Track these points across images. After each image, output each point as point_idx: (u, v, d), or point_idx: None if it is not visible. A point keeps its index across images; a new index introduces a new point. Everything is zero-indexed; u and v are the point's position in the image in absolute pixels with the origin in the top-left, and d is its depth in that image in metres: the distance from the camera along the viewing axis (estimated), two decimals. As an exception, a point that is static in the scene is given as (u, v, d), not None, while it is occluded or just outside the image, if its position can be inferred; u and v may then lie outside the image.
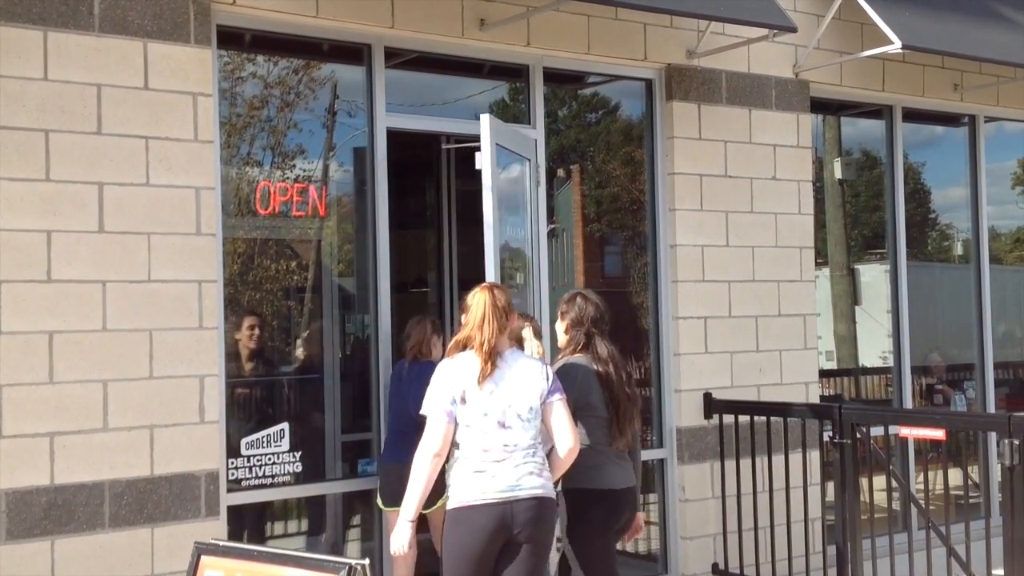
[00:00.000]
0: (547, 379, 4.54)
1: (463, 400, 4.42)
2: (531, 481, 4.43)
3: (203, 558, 3.77)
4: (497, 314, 4.49)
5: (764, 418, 6.84)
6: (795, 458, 6.85)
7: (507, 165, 6.26)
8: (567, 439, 4.55)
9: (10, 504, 4.89)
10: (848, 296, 8.88)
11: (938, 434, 6.46)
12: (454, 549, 4.43)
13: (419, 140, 7.58)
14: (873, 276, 8.87)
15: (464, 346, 4.52)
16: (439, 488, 4.63)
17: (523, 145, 6.40)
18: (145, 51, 5.32)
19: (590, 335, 5.07)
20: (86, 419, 5.08)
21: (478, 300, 4.54)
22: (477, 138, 5.77)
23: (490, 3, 6.35)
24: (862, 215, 9.14)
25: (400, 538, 4.41)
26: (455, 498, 4.45)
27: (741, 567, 6.88)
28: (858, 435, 6.25)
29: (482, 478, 4.40)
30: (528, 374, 4.52)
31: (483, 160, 5.75)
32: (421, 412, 4.52)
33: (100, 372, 5.12)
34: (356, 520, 6.37)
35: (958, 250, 9.51)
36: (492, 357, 4.44)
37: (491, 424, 4.42)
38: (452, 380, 4.46)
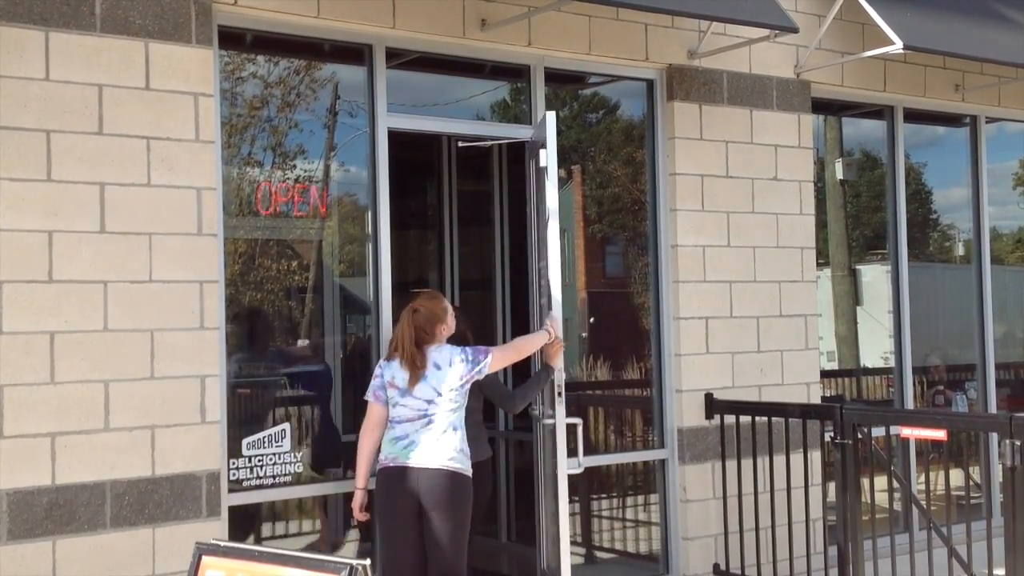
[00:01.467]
0: (465, 361, 5.33)
1: (391, 385, 5.32)
2: (442, 452, 5.22)
3: (204, 558, 3.77)
4: (414, 327, 5.34)
5: (765, 418, 6.84)
6: (796, 458, 6.85)
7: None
8: (512, 360, 5.72)
9: (11, 504, 4.89)
10: (849, 296, 8.88)
11: (939, 435, 6.45)
12: (379, 503, 5.34)
13: (420, 140, 7.58)
14: (874, 276, 8.87)
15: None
16: None
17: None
18: (146, 51, 5.32)
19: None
20: (87, 419, 5.08)
21: (402, 315, 5.44)
22: (479, 138, 5.77)
23: (491, 3, 6.35)
24: (863, 215, 9.14)
25: (354, 502, 5.44)
26: (380, 461, 5.33)
27: (742, 567, 6.88)
28: (859, 435, 6.25)
29: (398, 445, 5.26)
30: (446, 361, 5.32)
31: (548, 158, 5.85)
32: (364, 398, 5.46)
33: (101, 372, 5.13)
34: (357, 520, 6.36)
35: (959, 251, 9.50)
36: (411, 361, 5.29)
37: (412, 404, 5.27)
38: (383, 372, 5.40)
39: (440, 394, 5.29)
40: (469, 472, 5.31)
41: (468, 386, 5.39)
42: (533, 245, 6.55)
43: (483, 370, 5.40)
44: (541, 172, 5.95)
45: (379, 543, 5.36)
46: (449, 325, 5.50)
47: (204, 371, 5.39)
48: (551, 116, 5.87)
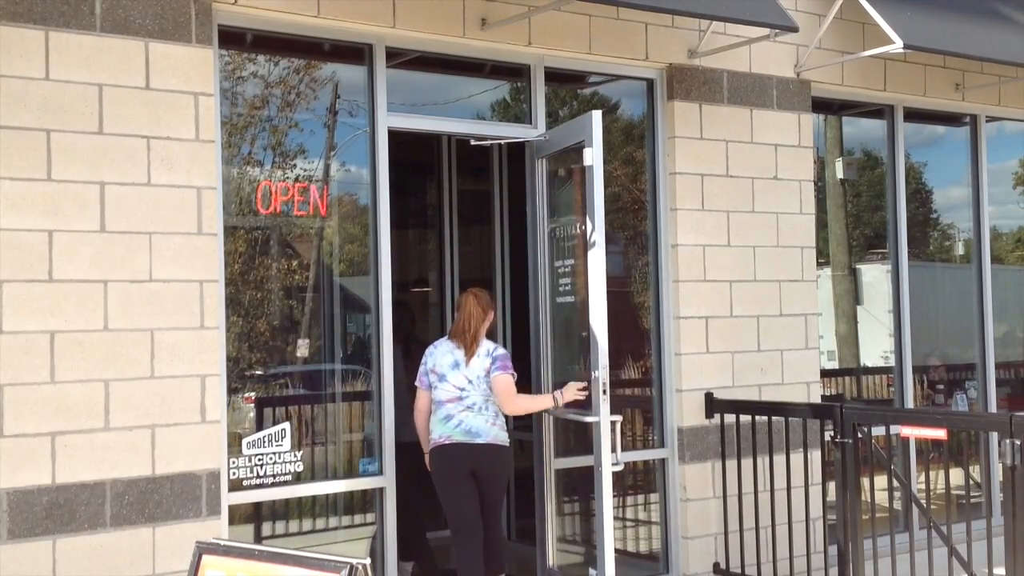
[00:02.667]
0: (490, 358, 5.98)
1: (432, 372, 6.06)
2: (486, 429, 5.93)
3: (204, 557, 3.76)
4: (480, 308, 6.11)
5: (765, 418, 6.84)
6: (796, 458, 6.85)
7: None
8: (503, 406, 6.03)
9: (11, 503, 4.89)
10: (849, 296, 8.88)
11: (939, 434, 6.45)
12: (437, 474, 6.03)
13: (420, 140, 7.58)
14: (874, 276, 8.87)
15: (453, 333, 6.14)
16: None
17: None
18: (146, 51, 5.33)
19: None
20: (88, 418, 5.08)
21: (465, 299, 6.15)
22: (481, 137, 5.76)
23: (491, 3, 6.35)
24: (863, 215, 9.14)
25: (428, 465, 6.12)
26: (433, 440, 6.03)
27: (742, 566, 6.88)
28: (859, 435, 6.25)
29: (449, 424, 5.97)
30: (480, 352, 6.02)
31: (594, 157, 5.92)
32: (415, 383, 6.17)
33: (102, 372, 5.13)
34: (357, 519, 6.37)
35: (959, 250, 9.50)
36: (474, 338, 6.04)
37: (447, 387, 5.99)
38: (427, 360, 6.13)
39: (470, 381, 5.97)
40: (508, 443, 6.05)
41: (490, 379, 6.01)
42: (543, 243, 6.56)
43: (492, 375, 5.97)
44: (586, 172, 5.98)
45: (443, 502, 6.06)
46: (491, 317, 6.18)
47: (204, 371, 5.39)
48: (597, 115, 5.93)
